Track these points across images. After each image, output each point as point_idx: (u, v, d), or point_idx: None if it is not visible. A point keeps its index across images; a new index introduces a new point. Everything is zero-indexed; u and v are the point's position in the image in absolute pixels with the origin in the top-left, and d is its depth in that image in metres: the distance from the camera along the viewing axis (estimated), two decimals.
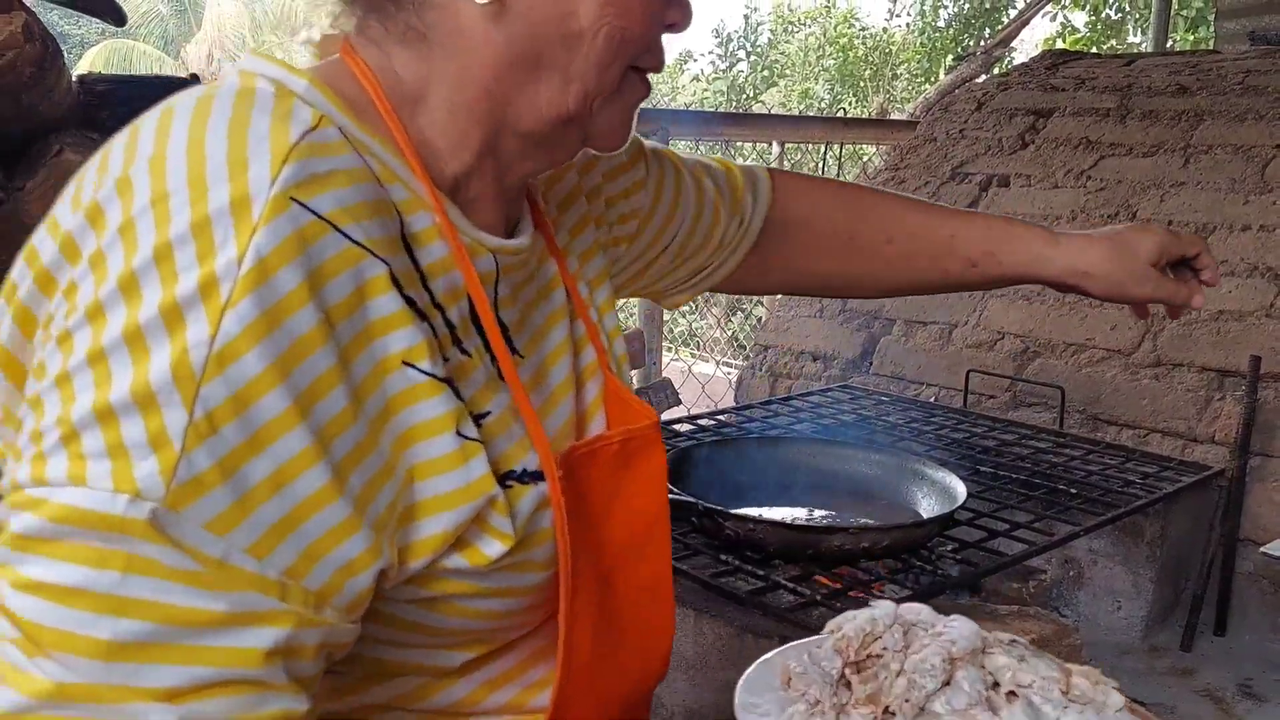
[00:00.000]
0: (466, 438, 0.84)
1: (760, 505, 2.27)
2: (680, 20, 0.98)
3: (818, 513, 2.27)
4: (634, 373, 4.35)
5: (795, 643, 1.09)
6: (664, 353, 5.62)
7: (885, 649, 1.02)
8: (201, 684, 0.71)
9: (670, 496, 2.01)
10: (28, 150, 1.80)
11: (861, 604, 1.69)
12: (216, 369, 0.70)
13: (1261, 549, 2.19)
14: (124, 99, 2.11)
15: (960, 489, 2.17)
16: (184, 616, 0.70)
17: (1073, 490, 2.53)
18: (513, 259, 1.01)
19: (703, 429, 3.00)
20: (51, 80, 1.79)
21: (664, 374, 4.41)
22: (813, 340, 3.97)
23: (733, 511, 2.06)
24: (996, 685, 0.99)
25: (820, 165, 5.12)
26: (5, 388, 0.86)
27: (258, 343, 0.71)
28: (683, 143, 4.72)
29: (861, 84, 13.55)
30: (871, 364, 3.78)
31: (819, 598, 1.89)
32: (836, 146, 5.08)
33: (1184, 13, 10.65)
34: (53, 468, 0.70)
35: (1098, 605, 2.83)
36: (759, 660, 1.08)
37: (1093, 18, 12.26)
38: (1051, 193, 3.76)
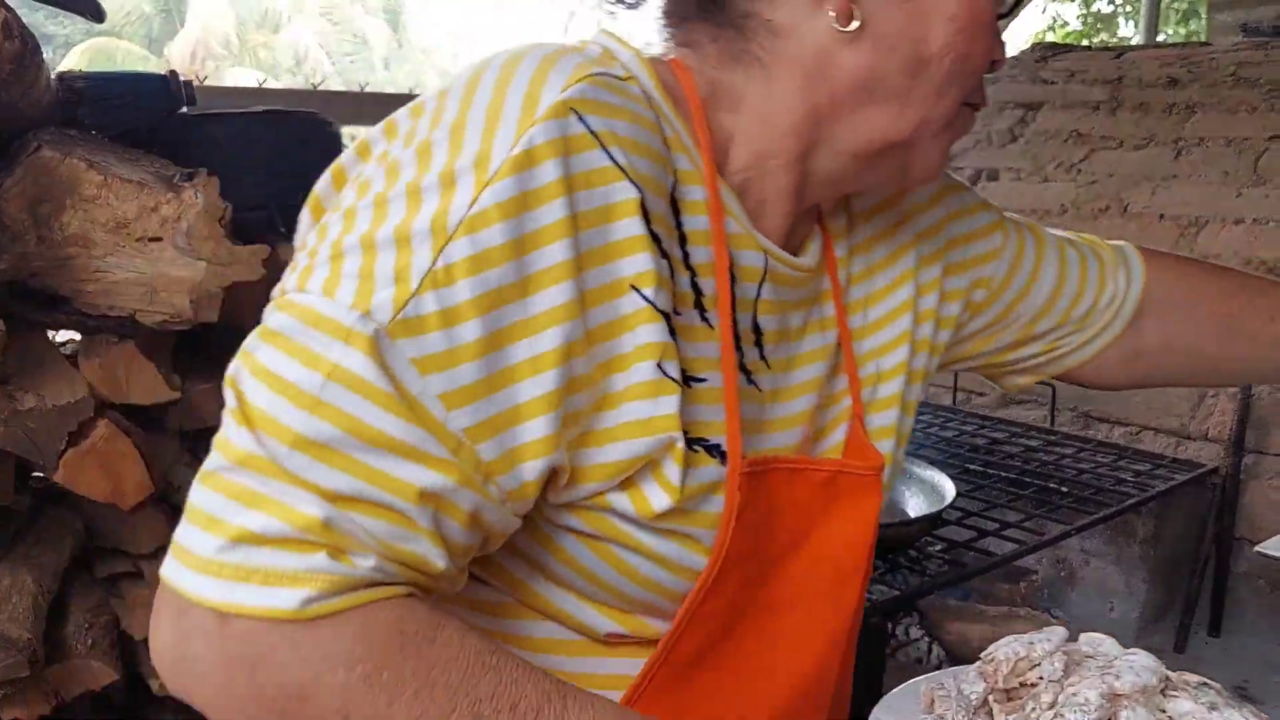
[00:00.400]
0: (666, 375, 0.85)
1: None
2: (1001, 59, 0.97)
3: None
4: None
5: (952, 668, 1.03)
6: None
7: (1041, 678, 0.95)
8: (358, 497, 0.75)
9: None
10: (6, 147, 1.78)
11: None
12: (466, 231, 0.76)
13: (1256, 547, 2.14)
14: (103, 96, 2.08)
15: (948, 488, 2.13)
16: (366, 432, 0.74)
17: (1064, 489, 2.49)
18: (785, 270, 1.00)
19: None
20: (30, 77, 1.77)
21: None
22: None
23: None
24: None
25: None
26: (309, 222, 0.91)
27: (505, 219, 0.77)
28: None
29: None
30: None
31: None
32: None
33: (1175, 5, 10.62)
34: (314, 280, 0.77)
35: (1090, 606, 2.79)
36: (907, 682, 1.03)
37: (1084, 11, 12.23)
38: (1042, 186, 3.72)
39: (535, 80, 0.81)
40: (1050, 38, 11.31)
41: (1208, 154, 3.41)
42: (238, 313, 1.98)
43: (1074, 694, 0.91)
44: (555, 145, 0.78)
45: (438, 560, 0.79)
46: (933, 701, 0.97)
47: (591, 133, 0.81)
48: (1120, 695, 0.90)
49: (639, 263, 0.83)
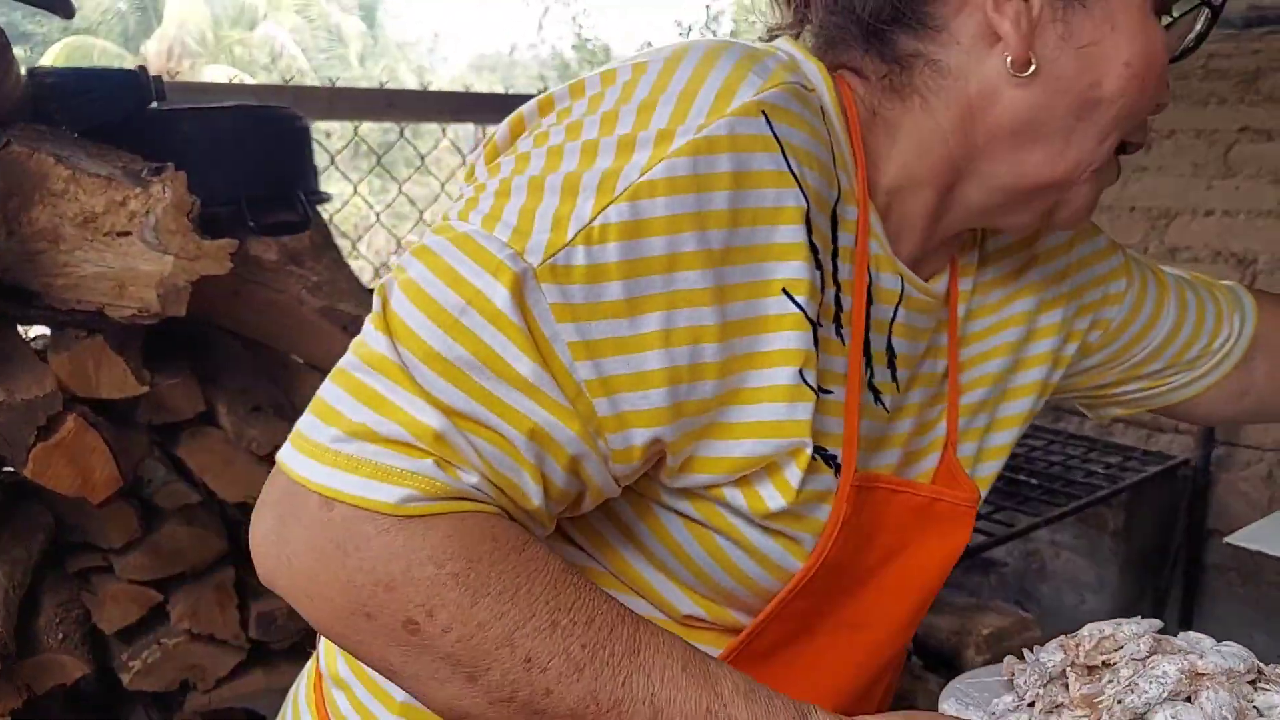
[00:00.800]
0: (806, 382, 0.86)
1: None
2: (1166, 101, 0.96)
3: None
4: None
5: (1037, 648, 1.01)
6: None
7: (1122, 657, 0.93)
8: (475, 419, 0.78)
9: None
10: None
11: None
12: (630, 196, 0.78)
13: (1226, 539, 2.16)
14: (72, 92, 2.09)
15: None
16: (495, 363, 0.78)
17: (1034, 480, 2.50)
18: (919, 296, 1.01)
19: None
20: (0, 73, 1.77)
21: None
22: None
23: None
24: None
25: None
26: (482, 165, 0.91)
27: (671, 195, 0.78)
28: None
29: None
30: None
31: None
32: None
33: None
34: (477, 211, 0.80)
35: (1061, 598, 2.80)
36: (980, 669, 1.03)
37: None
38: None
39: (734, 75, 0.82)
40: None
41: (1178, 146, 3.43)
42: (206, 307, 1.98)
43: (1153, 667, 0.89)
44: (738, 140, 0.80)
45: (534, 495, 0.81)
46: (1013, 675, 0.95)
47: (776, 137, 0.82)
48: (1202, 675, 0.88)
49: (794, 268, 0.84)
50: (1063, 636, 0.96)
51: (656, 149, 0.79)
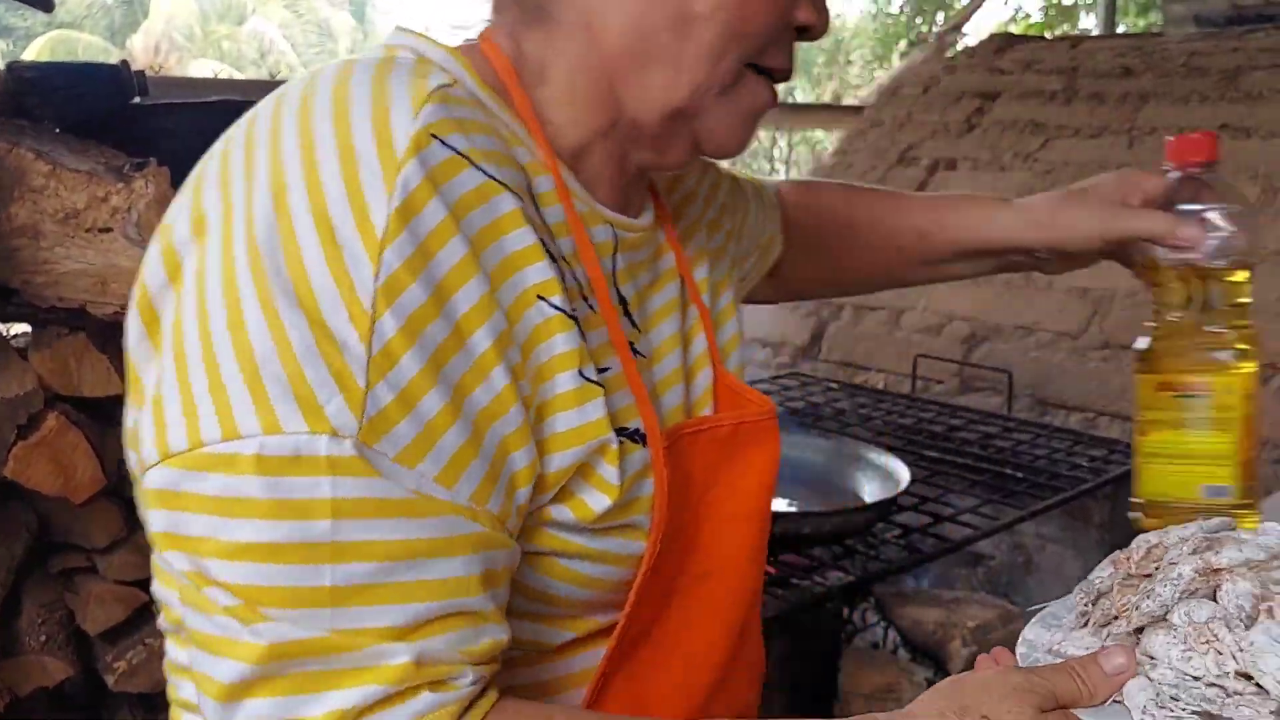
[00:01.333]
0: (588, 379, 0.84)
1: None
2: (814, 22, 0.94)
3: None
4: None
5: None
6: None
7: (1162, 561, 0.91)
8: (427, 618, 0.72)
9: None
10: None
11: (804, 591, 1.68)
12: (385, 303, 0.71)
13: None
14: (52, 86, 2.07)
15: (903, 473, 2.14)
16: (402, 549, 0.71)
17: (1019, 474, 2.51)
18: (631, 235, 0.99)
19: None
20: None
21: None
22: (763, 327, 3.94)
23: None
24: None
25: (771, 149, 5.09)
26: (140, 333, 0.81)
27: (418, 274, 0.73)
28: None
29: (815, 70, 13.55)
30: (820, 350, 3.75)
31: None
32: (787, 132, 5.04)
33: None
34: (240, 417, 0.70)
35: (1047, 591, 2.81)
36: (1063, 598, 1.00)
37: (1046, 2, 12.30)
38: (999, 175, 3.74)
39: (378, 113, 0.75)
40: (1013, 29, 11.37)
41: (1161, 142, 3.41)
42: None
43: (1170, 569, 0.89)
44: (430, 181, 0.74)
45: (502, 635, 0.78)
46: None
47: (458, 153, 0.77)
48: (1219, 570, 0.87)
49: (539, 270, 0.81)
50: (1116, 552, 0.96)
51: (366, 244, 0.72)
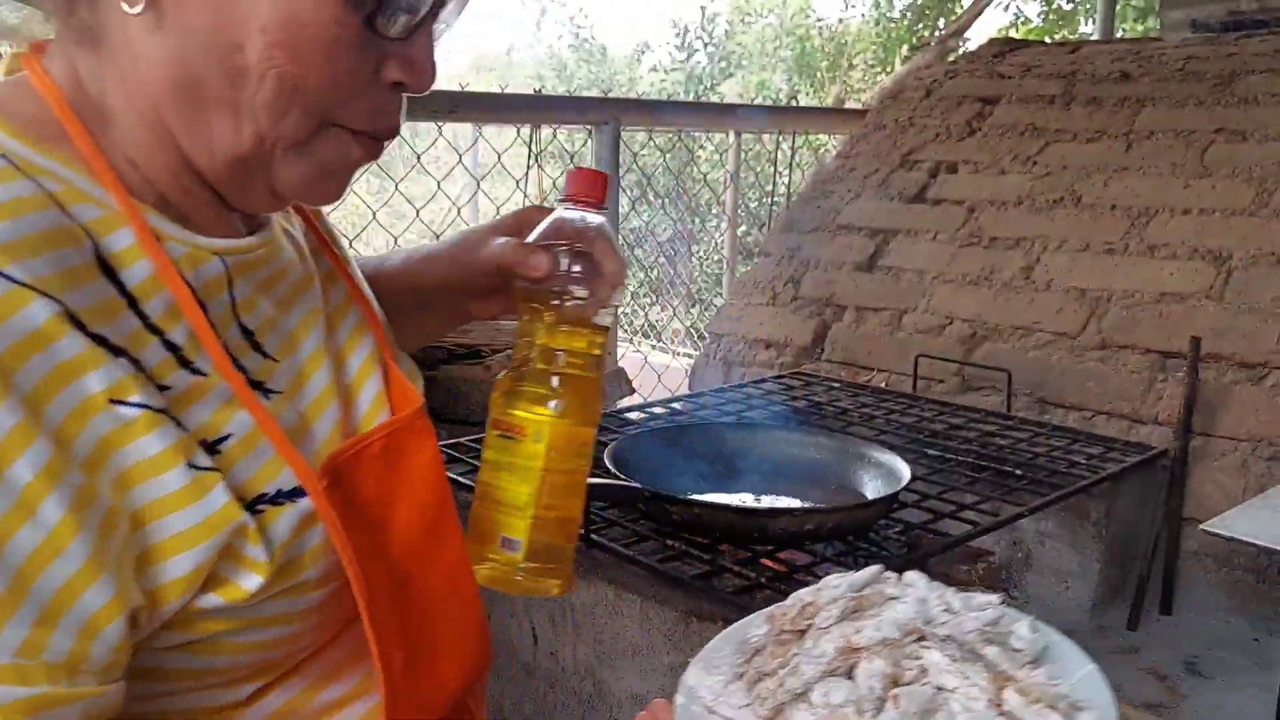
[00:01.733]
0: (200, 468, 0.79)
1: (710, 491, 2.29)
2: (411, 80, 0.88)
3: (766, 497, 2.29)
4: None
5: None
6: (623, 345, 5.63)
7: (811, 625, 0.95)
8: None
9: (617, 483, 2.04)
10: None
11: (803, 584, 1.70)
12: None
13: (1201, 525, 2.22)
14: None
15: (905, 470, 2.19)
16: None
17: (1019, 472, 2.55)
18: (248, 256, 0.93)
19: (655, 416, 3.01)
20: None
21: (620, 365, 4.41)
22: (766, 328, 3.99)
23: (678, 496, 2.07)
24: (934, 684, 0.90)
25: (775, 152, 5.13)
26: None
27: None
28: (636, 132, 4.71)
29: (818, 74, 13.57)
30: (823, 350, 3.80)
31: (763, 580, 1.90)
32: (789, 136, 5.09)
33: (1133, 2, 10.71)
34: None
35: (1046, 586, 2.87)
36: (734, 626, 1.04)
37: (1045, 7, 12.32)
38: (999, 178, 3.79)
39: None
40: (1013, 34, 11.41)
41: (1157, 146, 3.50)
42: None
43: (812, 647, 0.93)
44: None
45: None
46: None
47: None
48: (858, 649, 0.91)
49: (103, 376, 0.74)
50: (774, 606, 0.99)
51: None
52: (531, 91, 4.27)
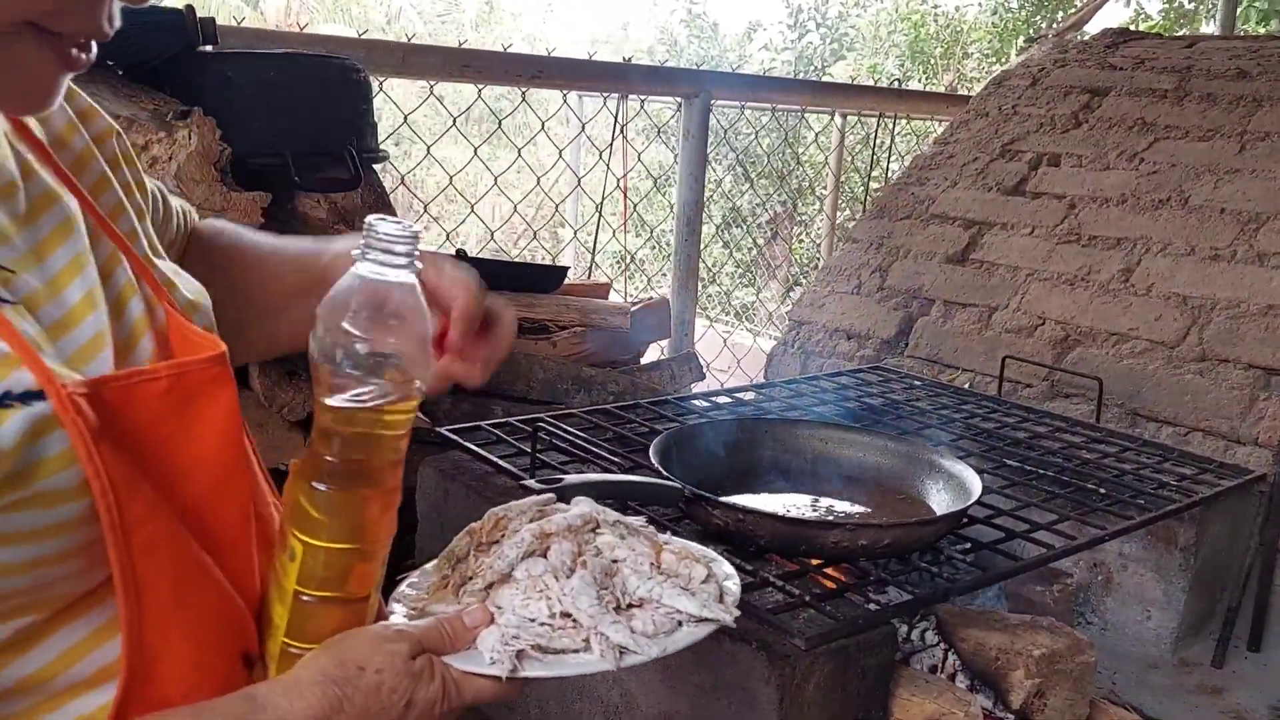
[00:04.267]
0: None
1: (762, 493, 2.13)
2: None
3: (824, 503, 2.13)
4: (663, 343, 4.21)
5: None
6: (710, 323, 5.47)
7: (505, 534, 1.19)
8: None
9: (654, 481, 1.89)
10: None
11: (855, 608, 1.70)
12: None
13: None
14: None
15: (975, 484, 2.02)
16: None
17: (1103, 490, 2.37)
18: None
19: (717, 407, 2.86)
20: None
21: (692, 349, 4.27)
22: (848, 318, 3.81)
23: (721, 499, 1.92)
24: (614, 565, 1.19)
25: (873, 137, 4.94)
26: None
27: None
28: (726, 106, 4.54)
29: (931, 62, 13.30)
30: (907, 345, 3.61)
31: (808, 599, 1.75)
32: (890, 120, 4.89)
33: (1257, 4, 10.31)
34: None
35: (1126, 613, 2.66)
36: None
37: (1166, 4, 11.94)
38: (1102, 174, 3.57)
39: None
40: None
41: (1272, 148, 3.26)
42: None
43: (515, 531, 1.18)
44: None
45: None
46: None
47: None
48: (550, 534, 1.18)
49: None
50: (471, 524, 1.22)
51: None
52: (644, 62, 4.12)
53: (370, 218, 1.00)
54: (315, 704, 0.95)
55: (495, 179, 3.63)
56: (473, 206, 4.12)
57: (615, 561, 1.18)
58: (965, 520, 2.06)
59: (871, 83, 10.71)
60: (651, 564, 1.19)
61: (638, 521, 1.27)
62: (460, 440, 2.40)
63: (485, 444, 2.38)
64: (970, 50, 13.52)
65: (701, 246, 4.34)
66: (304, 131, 2.48)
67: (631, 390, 3.32)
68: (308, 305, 1.08)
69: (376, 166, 2.80)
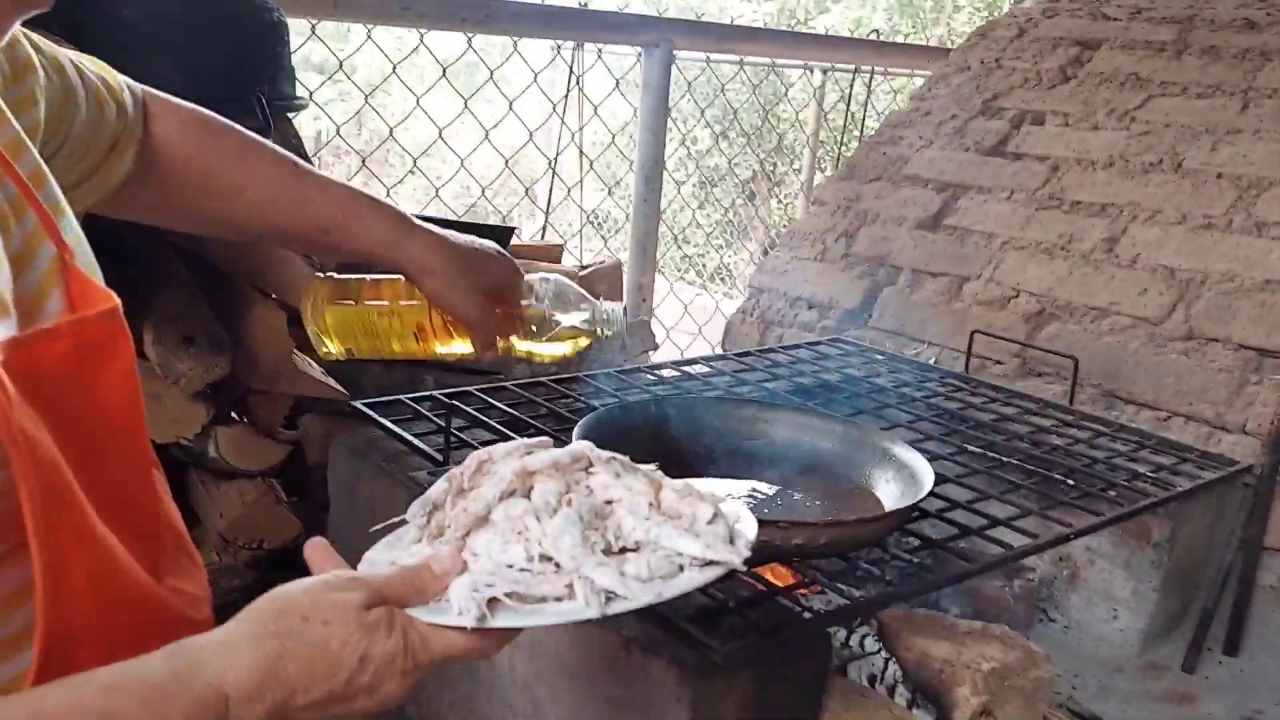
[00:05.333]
0: None
1: (697, 478, 1.93)
2: None
3: (763, 492, 1.93)
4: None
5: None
6: (670, 286, 5.26)
7: (490, 474, 1.10)
8: None
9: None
10: None
11: (783, 611, 1.59)
12: None
13: None
14: None
15: (927, 477, 1.82)
16: None
17: (1070, 481, 2.17)
18: None
19: (663, 381, 2.66)
20: None
21: (647, 317, 4.07)
22: (811, 286, 3.59)
23: None
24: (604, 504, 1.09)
25: (848, 93, 4.72)
26: None
27: None
28: (691, 57, 4.32)
29: (921, 15, 13.02)
30: (871, 316, 3.40)
31: (732, 604, 1.56)
32: (867, 74, 4.67)
33: None
34: None
35: (1092, 612, 2.47)
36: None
37: None
38: (1090, 134, 3.35)
39: None
40: None
41: (1279, 107, 3.03)
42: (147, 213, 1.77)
43: (494, 470, 1.09)
44: None
45: None
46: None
47: None
48: (533, 472, 1.08)
49: None
50: (452, 468, 1.13)
51: None
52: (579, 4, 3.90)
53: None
54: (252, 660, 0.87)
55: (439, 131, 3.41)
56: (415, 160, 3.91)
57: (609, 503, 1.08)
58: (918, 514, 1.86)
59: (860, 36, 10.47)
60: (650, 504, 1.08)
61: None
62: (374, 415, 2.21)
63: (402, 420, 2.21)
64: (961, 3, 13.24)
65: (676, 207, 4.14)
66: (208, 76, 2.32)
67: (577, 361, 3.12)
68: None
69: (318, 117, 2.61)
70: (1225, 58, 3.29)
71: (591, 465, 1.12)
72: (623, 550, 1.05)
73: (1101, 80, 3.50)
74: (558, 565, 1.00)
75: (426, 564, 1.00)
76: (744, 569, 1.09)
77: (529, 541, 1.02)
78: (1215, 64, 3.29)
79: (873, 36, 6.51)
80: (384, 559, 1.07)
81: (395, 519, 1.14)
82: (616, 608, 0.99)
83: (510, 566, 1.00)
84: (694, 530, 1.06)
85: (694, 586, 1.04)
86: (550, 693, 1.73)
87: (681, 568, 1.04)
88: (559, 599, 0.99)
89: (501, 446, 1.14)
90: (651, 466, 1.15)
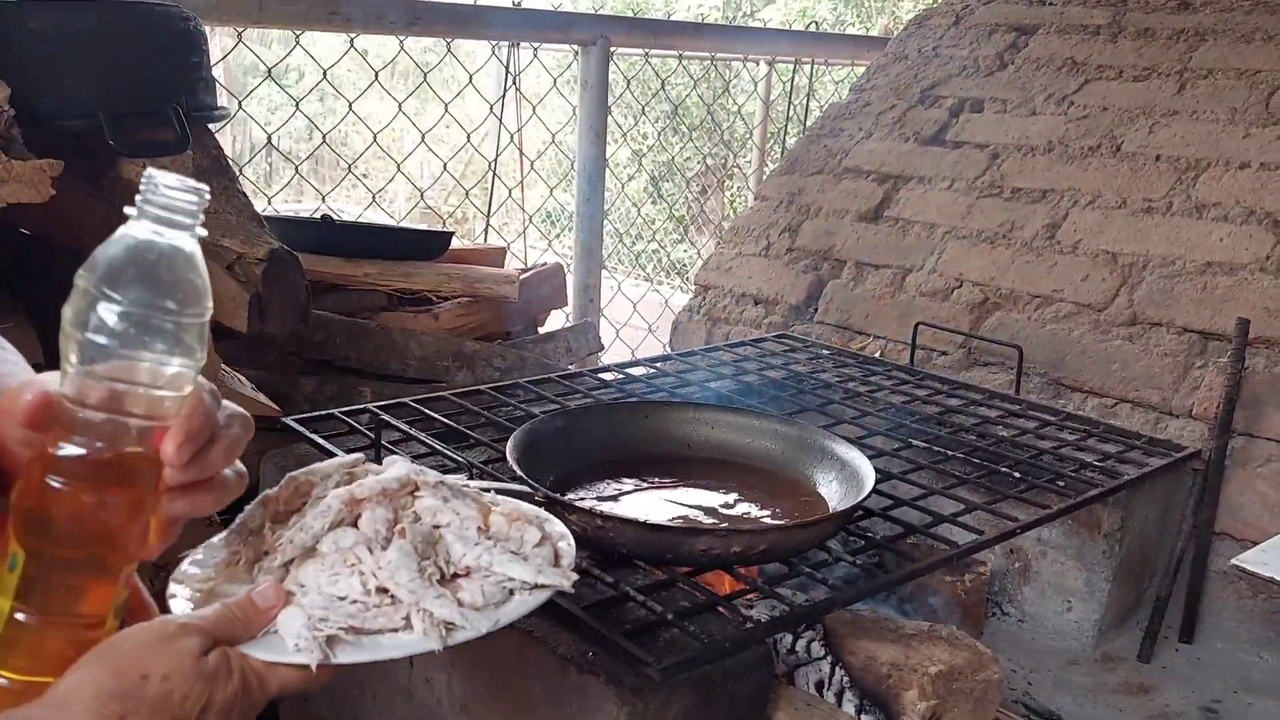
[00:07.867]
0: None
1: (636, 491, 1.89)
2: None
3: (704, 497, 1.88)
4: (558, 313, 3.95)
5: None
6: (618, 284, 5.21)
7: (310, 496, 1.09)
8: None
9: (500, 484, 1.64)
10: None
11: (723, 622, 1.57)
12: None
13: (1233, 560, 1.80)
14: None
15: (868, 478, 1.78)
16: None
17: (1017, 473, 2.14)
18: None
19: (605, 385, 2.61)
20: None
21: (590, 319, 4.01)
22: (756, 281, 3.55)
23: (576, 503, 1.68)
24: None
25: (789, 85, 4.67)
26: None
27: None
28: (630, 53, 4.27)
29: (865, 5, 13.00)
30: (816, 310, 3.36)
31: (670, 616, 1.51)
32: (807, 65, 4.63)
33: None
34: None
35: (1045, 604, 2.44)
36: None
37: None
38: (1028, 120, 3.32)
39: None
40: None
41: (1215, 87, 3.01)
42: (60, 234, 1.70)
43: (319, 499, 1.07)
44: None
45: None
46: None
47: None
48: (361, 500, 1.07)
49: None
50: (266, 490, 1.10)
51: None
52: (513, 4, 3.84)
53: (150, 170, 0.89)
54: None
55: (374, 136, 3.34)
56: (351, 165, 3.83)
57: (437, 528, 1.10)
58: (861, 513, 1.83)
59: (802, 28, 10.43)
60: (479, 528, 1.11)
61: (461, 481, 1.18)
62: (304, 431, 2.15)
63: (335, 435, 2.14)
64: None
65: (625, 204, 4.08)
66: (122, 88, 2.25)
67: (520, 366, 3.06)
68: None
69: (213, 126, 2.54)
70: (1160, 39, 3.27)
71: (418, 489, 1.13)
72: (454, 576, 1.07)
73: (1039, 65, 3.48)
74: (394, 598, 1.01)
75: (249, 598, 0.98)
76: (571, 590, 1.12)
77: (364, 575, 1.02)
78: (1150, 45, 3.27)
79: (811, 27, 6.48)
80: (194, 579, 1.05)
81: (209, 540, 1.11)
82: (457, 638, 1.01)
83: (343, 599, 1.00)
84: (523, 554, 1.10)
85: (527, 610, 1.08)
86: (487, 715, 1.68)
87: (513, 592, 1.08)
88: (396, 630, 1.00)
89: (320, 467, 1.14)
90: (477, 488, 1.19)
